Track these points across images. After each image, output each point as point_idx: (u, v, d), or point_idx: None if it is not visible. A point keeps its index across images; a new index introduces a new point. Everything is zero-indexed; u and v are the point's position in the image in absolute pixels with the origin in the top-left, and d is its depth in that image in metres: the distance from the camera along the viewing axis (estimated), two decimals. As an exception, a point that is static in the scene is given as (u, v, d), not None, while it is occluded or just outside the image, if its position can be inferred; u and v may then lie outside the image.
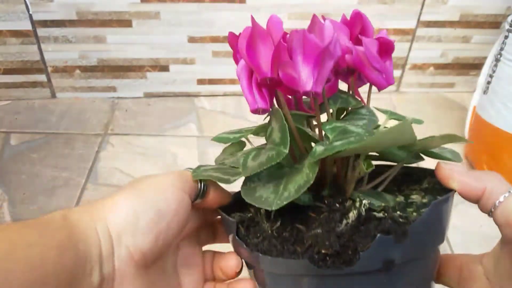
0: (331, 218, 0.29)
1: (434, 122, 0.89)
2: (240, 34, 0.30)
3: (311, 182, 0.28)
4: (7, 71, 0.86)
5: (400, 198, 0.34)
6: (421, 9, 0.85)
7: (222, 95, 0.94)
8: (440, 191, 0.34)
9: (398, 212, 0.30)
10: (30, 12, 0.79)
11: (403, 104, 0.93)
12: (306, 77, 0.28)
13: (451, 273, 0.36)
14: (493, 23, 0.88)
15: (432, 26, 0.88)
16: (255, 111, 0.31)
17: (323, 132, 0.32)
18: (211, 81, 0.92)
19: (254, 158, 0.31)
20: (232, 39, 0.34)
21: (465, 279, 0.34)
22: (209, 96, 0.93)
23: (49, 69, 0.87)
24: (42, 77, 0.88)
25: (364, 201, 0.30)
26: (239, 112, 0.89)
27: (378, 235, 0.26)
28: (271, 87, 0.32)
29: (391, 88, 0.96)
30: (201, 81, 0.92)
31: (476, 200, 0.30)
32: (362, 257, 0.26)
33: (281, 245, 0.29)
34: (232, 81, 0.92)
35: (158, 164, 0.76)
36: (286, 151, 0.29)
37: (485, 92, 0.74)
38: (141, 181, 0.30)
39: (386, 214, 0.29)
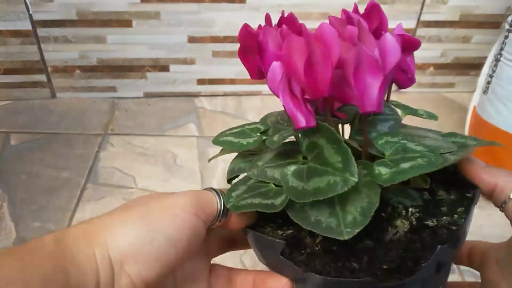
0: (377, 227, 0.28)
1: (434, 122, 0.89)
2: (288, 45, 0.27)
3: (377, 205, 0.26)
4: (7, 71, 0.86)
5: (427, 195, 0.32)
6: (421, 9, 0.85)
7: (222, 95, 0.94)
8: (459, 183, 0.33)
9: (446, 218, 0.30)
10: (30, 12, 0.79)
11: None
12: (372, 97, 0.26)
13: (473, 258, 0.37)
14: (493, 23, 0.88)
15: (432, 26, 0.88)
16: (302, 128, 0.28)
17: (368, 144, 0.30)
18: (211, 81, 0.92)
19: (300, 177, 0.28)
20: (246, 35, 0.30)
21: (481, 263, 0.35)
22: (209, 96, 0.93)
23: (49, 69, 0.87)
24: (42, 77, 0.88)
25: (410, 209, 0.30)
26: (239, 112, 0.89)
27: (439, 246, 0.26)
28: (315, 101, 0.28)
29: (391, 88, 0.96)
30: (201, 81, 0.92)
31: (488, 194, 0.31)
32: (422, 267, 0.26)
33: (334, 262, 0.27)
34: (232, 81, 0.92)
35: (158, 164, 0.76)
36: (356, 179, 0.26)
37: (485, 92, 0.74)
38: (150, 201, 0.27)
39: (437, 223, 0.29)
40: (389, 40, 0.26)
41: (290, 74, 0.28)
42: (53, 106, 0.89)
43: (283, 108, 0.37)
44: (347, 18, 0.30)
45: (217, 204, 0.29)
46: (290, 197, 0.27)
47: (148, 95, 0.92)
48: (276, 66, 0.29)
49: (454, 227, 0.29)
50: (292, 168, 0.29)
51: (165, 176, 0.74)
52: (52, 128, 0.83)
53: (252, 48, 0.30)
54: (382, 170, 0.27)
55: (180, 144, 0.81)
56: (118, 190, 0.71)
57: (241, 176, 0.35)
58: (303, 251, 0.28)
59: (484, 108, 0.73)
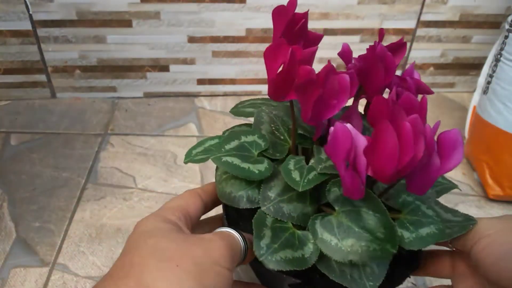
0: None
1: (434, 122, 0.89)
2: (379, 133, 0.27)
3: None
4: (7, 71, 0.86)
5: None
6: (421, 9, 0.86)
7: (222, 95, 0.94)
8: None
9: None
10: (30, 12, 0.79)
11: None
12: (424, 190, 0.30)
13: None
14: (493, 23, 0.88)
15: (432, 26, 0.88)
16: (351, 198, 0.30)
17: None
18: (211, 81, 0.92)
19: (330, 230, 0.29)
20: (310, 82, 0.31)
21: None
22: (209, 96, 0.93)
23: (49, 69, 0.87)
24: (42, 77, 0.88)
25: None
26: (239, 112, 0.89)
27: None
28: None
29: (391, 88, 0.96)
30: (201, 81, 0.92)
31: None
32: None
33: None
34: (232, 81, 0.92)
35: (158, 164, 0.76)
36: (395, 251, 0.28)
37: (485, 92, 0.74)
38: (183, 254, 0.24)
39: None
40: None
41: (368, 157, 0.28)
42: (53, 106, 0.89)
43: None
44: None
45: (242, 251, 0.29)
46: (322, 250, 0.29)
47: (148, 95, 0.92)
48: (333, 146, 0.29)
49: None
50: (319, 218, 0.30)
51: (165, 176, 0.74)
52: (52, 128, 0.83)
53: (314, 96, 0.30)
54: (404, 234, 0.30)
55: (180, 144, 0.81)
56: (118, 190, 0.71)
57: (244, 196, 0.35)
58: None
59: (484, 108, 0.73)
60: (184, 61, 0.88)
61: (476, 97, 0.80)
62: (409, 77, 0.33)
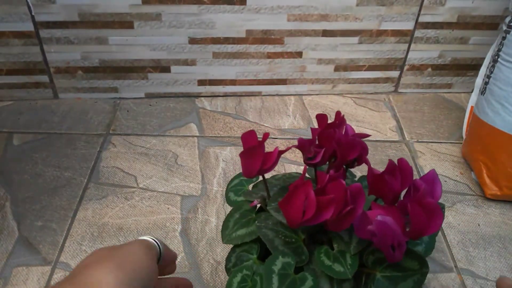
0: None
1: (432, 123, 0.89)
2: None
3: None
4: (10, 72, 0.87)
5: None
6: (419, 10, 0.86)
7: (223, 96, 0.94)
8: None
9: None
10: (33, 14, 0.80)
11: (401, 104, 0.94)
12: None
13: None
14: (491, 24, 0.89)
15: (430, 28, 0.89)
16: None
17: None
18: (212, 82, 0.93)
19: None
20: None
21: None
22: (210, 97, 0.94)
23: (52, 70, 0.88)
24: (44, 78, 0.89)
25: None
26: (239, 113, 0.90)
27: None
28: None
29: (389, 89, 0.97)
30: (201, 82, 0.92)
31: None
32: None
33: None
34: (232, 82, 0.93)
35: (159, 163, 0.77)
36: None
37: (482, 92, 0.75)
38: (114, 253, 0.31)
39: None
40: None
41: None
42: (56, 107, 0.90)
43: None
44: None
45: (158, 250, 0.35)
46: None
47: (149, 96, 0.93)
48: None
49: None
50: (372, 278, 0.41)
51: (166, 176, 0.74)
52: (54, 128, 0.84)
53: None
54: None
55: (181, 144, 0.81)
56: (120, 189, 0.72)
57: None
58: None
59: (481, 109, 0.74)
60: (185, 62, 0.89)
61: (473, 97, 0.81)
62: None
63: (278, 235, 0.41)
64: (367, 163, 0.44)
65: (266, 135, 0.43)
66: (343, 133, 0.46)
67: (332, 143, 0.43)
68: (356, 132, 0.47)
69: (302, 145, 0.44)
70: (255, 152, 0.41)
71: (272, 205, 0.43)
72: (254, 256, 0.43)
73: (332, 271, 0.39)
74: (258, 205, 0.47)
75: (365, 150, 0.44)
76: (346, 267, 0.39)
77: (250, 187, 0.52)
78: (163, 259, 0.36)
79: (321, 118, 0.45)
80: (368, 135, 0.46)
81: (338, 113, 0.46)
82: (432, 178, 0.40)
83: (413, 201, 0.37)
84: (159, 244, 0.36)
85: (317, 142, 0.45)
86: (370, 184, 0.42)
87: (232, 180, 0.54)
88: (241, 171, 0.45)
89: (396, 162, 0.41)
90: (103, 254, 0.31)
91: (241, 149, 0.45)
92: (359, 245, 0.41)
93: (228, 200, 0.51)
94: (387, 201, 0.41)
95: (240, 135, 0.44)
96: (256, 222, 0.43)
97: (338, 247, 0.41)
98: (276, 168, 0.77)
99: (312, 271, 0.39)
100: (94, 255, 0.31)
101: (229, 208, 0.69)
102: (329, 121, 0.45)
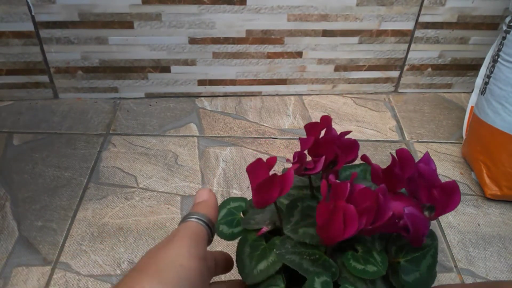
0: None
1: (432, 123, 0.89)
2: None
3: None
4: (10, 72, 0.87)
5: None
6: (419, 10, 0.86)
7: (223, 96, 0.95)
8: None
9: None
10: (33, 14, 0.80)
11: (401, 104, 0.94)
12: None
13: None
14: (491, 24, 0.89)
15: (430, 28, 0.89)
16: None
17: None
18: (212, 82, 0.93)
19: None
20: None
21: None
22: (210, 97, 0.94)
23: (52, 70, 0.88)
24: (44, 78, 0.89)
25: None
26: (239, 113, 0.90)
27: None
28: None
29: (389, 89, 0.97)
30: (201, 82, 0.92)
31: None
32: None
33: None
34: (232, 82, 0.93)
35: (159, 163, 0.77)
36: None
37: (482, 92, 0.75)
38: (156, 258, 0.29)
39: None
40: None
41: None
42: (56, 107, 0.90)
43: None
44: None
45: (207, 234, 0.33)
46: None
47: (149, 96, 0.93)
48: None
49: None
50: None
51: (166, 176, 0.74)
52: (54, 128, 0.84)
53: None
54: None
55: (181, 144, 0.81)
56: (120, 189, 0.72)
57: None
58: None
59: (481, 109, 0.74)
60: (185, 62, 0.89)
61: (473, 97, 0.81)
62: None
63: (303, 256, 0.40)
64: (367, 160, 0.44)
65: (273, 161, 0.40)
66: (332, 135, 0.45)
67: (333, 148, 0.43)
68: (356, 132, 0.47)
69: (301, 158, 0.43)
70: (271, 184, 0.39)
71: (288, 227, 0.42)
72: (282, 286, 0.41)
73: (367, 273, 0.39)
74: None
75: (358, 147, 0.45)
76: (378, 265, 0.39)
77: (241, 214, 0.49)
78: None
79: (311, 127, 0.44)
80: (349, 131, 0.46)
81: (326, 118, 0.45)
82: (427, 160, 0.41)
83: (431, 186, 0.38)
84: (208, 224, 0.34)
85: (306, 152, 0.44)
86: (375, 179, 0.42)
87: (219, 210, 0.49)
88: (227, 197, 0.44)
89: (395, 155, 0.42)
90: (145, 261, 0.29)
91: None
92: (382, 239, 0.41)
93: (223, 235, 0.47)
94: (393, 191, 0.41)
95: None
96: (275, 250, 0.41)
97: (363, 248, 0.41)
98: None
99: (346, 280, 0.40)
100: (140, 261, 0.29)
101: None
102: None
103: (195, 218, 0.33)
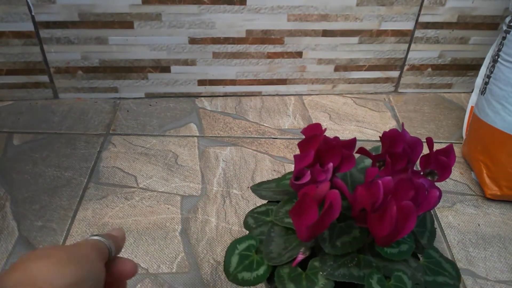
0: None
1: (432, 123, 0.89)
2: None
3: None
4: (10, 72, 0.87)
5: None
6: (419, 10, 0.86)
7: (223, 96, 0.94)
8: None
9: None
10: (33, 14, 0.80)
11: (401, 104, 0.94)
12: None
13: None
14: (491, 24, 0.89)
15: (430, 28, 0.89)
16: None
17: None
18: (212, 82, 0.93)
19: None
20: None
21: None
22: (210, 97, 0.94)
23: (52, 69, 0.88)
24: (44, 78, 0.89)
25: None
26: (239, 113, 0.90)
27: None
28: None
29: (389, 89, 0.97)
30: (201, 82, 0.92)
31: None
32: None
33: None
34: (232, 82, 0.93)
35: (159, 163, 0.77)
36: None
37: (482, 92, 0.75)
38: (59, 250, 0.29)
39: None
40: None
41: None
42: (56, 107, 0.90)
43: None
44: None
45: (108, 249, 0.33)
46: None
47: (149, 96, 0.93)
48: None
49: None
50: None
51: (166, 176, 0.74)
52: (54, 128, 0.84)
53: None
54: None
55: (181, 144, 0.81)
56: (120, 189, 0.72)
57: None
58: None
59: (481, 109, 0.74)
60: (185, 62, 0.89)
61: (473, 97, 0.81)
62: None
63: (348, 265, 0.41)
64: (365, 152, 0.44)
65: (323, 190, 0.38)
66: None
67: (339, 154, 0.42)
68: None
69: (313, 175, 0.42)
70: (325, 219, 0.37)
71: (327, 245, 0.41)
72: None
73: (402, 253, 0.42)
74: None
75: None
76: (407, 242, 0.42)
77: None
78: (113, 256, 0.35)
79: (305, 144, 0.43)
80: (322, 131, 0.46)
81: (318, 126, 0.44)
82: (448, 152, 0.43)
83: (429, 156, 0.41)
84: (109, 244, 0.34)
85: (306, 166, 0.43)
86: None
87: (227, 260, 0.44)
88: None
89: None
90: (48, 249, 0.29)
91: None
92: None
93: (247, 283, 0.42)
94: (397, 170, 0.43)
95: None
96: (320, 273, 0.40)
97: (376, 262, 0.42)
98: (276, 168, 0.77)
99: (379, 268, 0.42)
100: (37, 250, 0.30)
101: (229, 211, 0.69)
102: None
103: (97, 236, 0.34)
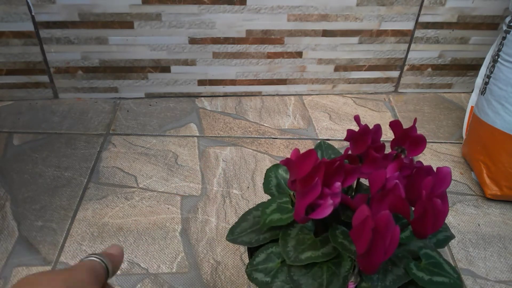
0: None
1: (432, 123, 0.89)
2: None
3: None
4: (10, 72, 0.87)
5: None
6: (419, 10, 0.86)
7: (223, 96, 0.95)
8: None
9: None
10: (33, 14, 0.80)
11: (401, 104, 0.94)
12: None
13: None
14: (491, 24, 0.89)
15: (430, 28, 0.89)
16: None
17: None
18: (212, 82, 0.93)
19: None
20: None
21: None
22: (210, 97, 0.94)
23: (52, 69, 0.88)
24: (44, 78, 0.89)
25: None
26: (239, 113, 0.90)
27: None
28: None
29: (390, 89, 0.97)
30: (201, 82, 0.92)
31: None
32: None
33: None
34: (232, 82, 0.93)
35: (159, 163, 0.77)
36: None
37: (482, 92, 0.75)
38: (53, 278, 0.29)
39: None
40: None
41: None
42: (56, 107, 0.90)
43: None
44: None
45: (105, 270, 0.33)
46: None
47: (149, 96, 0.93)
48: None
49: None
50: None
51: (166, 176, 0.74)
52: (54, 128, 0.84)
53: None
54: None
55: (181, 144, 0.81)
56: (120, 189, 0.72)
57: None
58: None
59: (481, 109, 0.74)
60: (185, 62, 0.89)
61: (473, 97, 0.81)
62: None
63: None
64: (357, 120, 0.46)
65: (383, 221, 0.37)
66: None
67: (341, 174, 0.41)
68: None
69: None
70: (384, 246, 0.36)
71: (378, 284, 0.42)
72: None
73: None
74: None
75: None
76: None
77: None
78: (110, 274, 0.35)
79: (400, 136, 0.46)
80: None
81: (312, 153, 0.41)
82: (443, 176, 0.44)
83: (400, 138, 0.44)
84: (103, 261, 0.34)
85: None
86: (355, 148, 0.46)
87: (254, 259, 0.42)
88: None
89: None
90: (44, 275, 0.30)
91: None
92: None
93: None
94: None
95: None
96: None
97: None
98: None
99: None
100: (32, 276, 0.30)
101: (229, 211, 0.69)
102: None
103: (95, 256, 0.34)
